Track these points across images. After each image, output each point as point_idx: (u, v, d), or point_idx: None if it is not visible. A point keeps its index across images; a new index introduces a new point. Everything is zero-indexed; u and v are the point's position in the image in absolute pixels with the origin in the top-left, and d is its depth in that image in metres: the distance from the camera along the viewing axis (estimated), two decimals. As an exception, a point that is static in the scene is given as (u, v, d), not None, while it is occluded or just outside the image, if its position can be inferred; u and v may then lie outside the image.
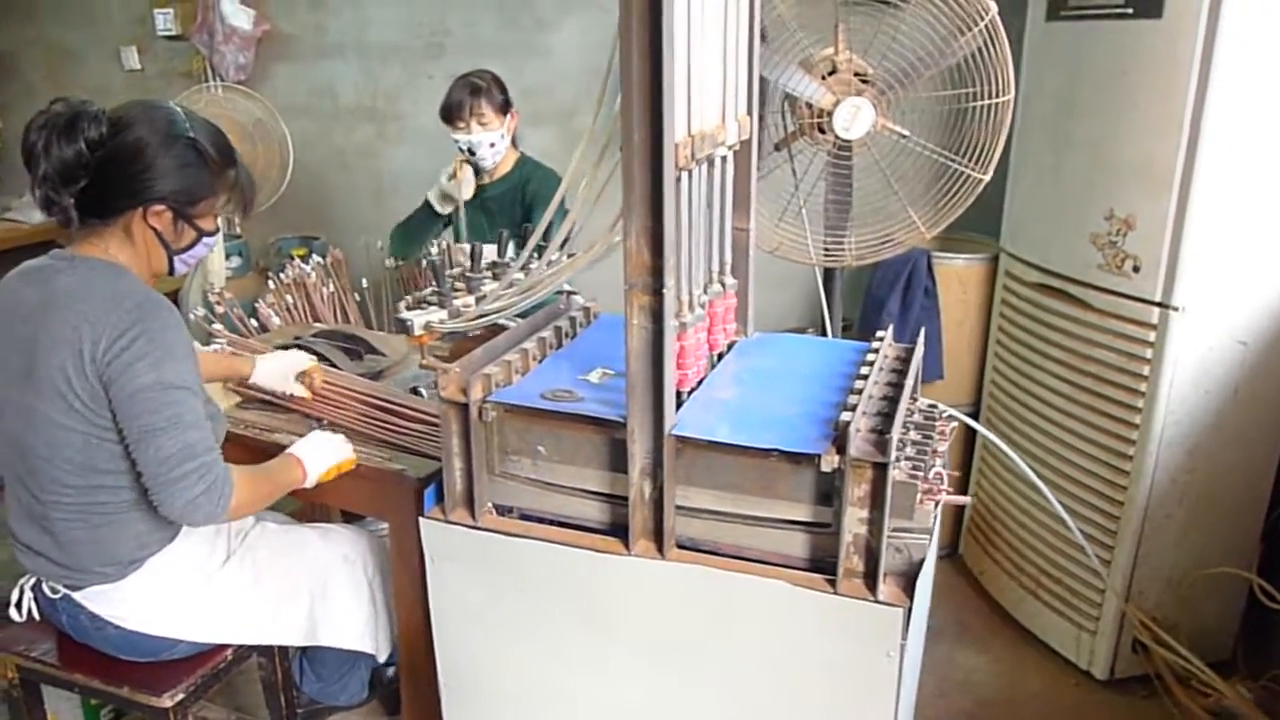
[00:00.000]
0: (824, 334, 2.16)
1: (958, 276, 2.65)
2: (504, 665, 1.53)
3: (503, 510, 1.50)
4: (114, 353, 1.42)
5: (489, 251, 1.89)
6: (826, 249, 1.95)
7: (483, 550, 1.46)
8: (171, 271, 1.60)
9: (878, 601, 1.27)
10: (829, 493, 1.30)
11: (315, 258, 3.16)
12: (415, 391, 2.16)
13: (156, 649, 1.66)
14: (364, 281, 2.88)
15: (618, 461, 1.39)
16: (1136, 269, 2.07)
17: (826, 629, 1.31)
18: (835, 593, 1.29)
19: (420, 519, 1.49)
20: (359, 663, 2.12)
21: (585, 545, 1.40)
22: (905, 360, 1.55)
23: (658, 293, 1.26)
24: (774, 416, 1.37)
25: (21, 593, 1.70)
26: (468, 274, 1.57)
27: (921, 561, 1.29)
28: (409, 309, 1.50)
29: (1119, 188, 2.11)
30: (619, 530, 1.41)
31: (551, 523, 1.46)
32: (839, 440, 1.25)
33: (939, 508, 1.33)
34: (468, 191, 2.78)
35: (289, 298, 2.95)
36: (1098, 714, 2.29)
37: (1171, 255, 2.00)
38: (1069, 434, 2.30)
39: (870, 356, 1.50)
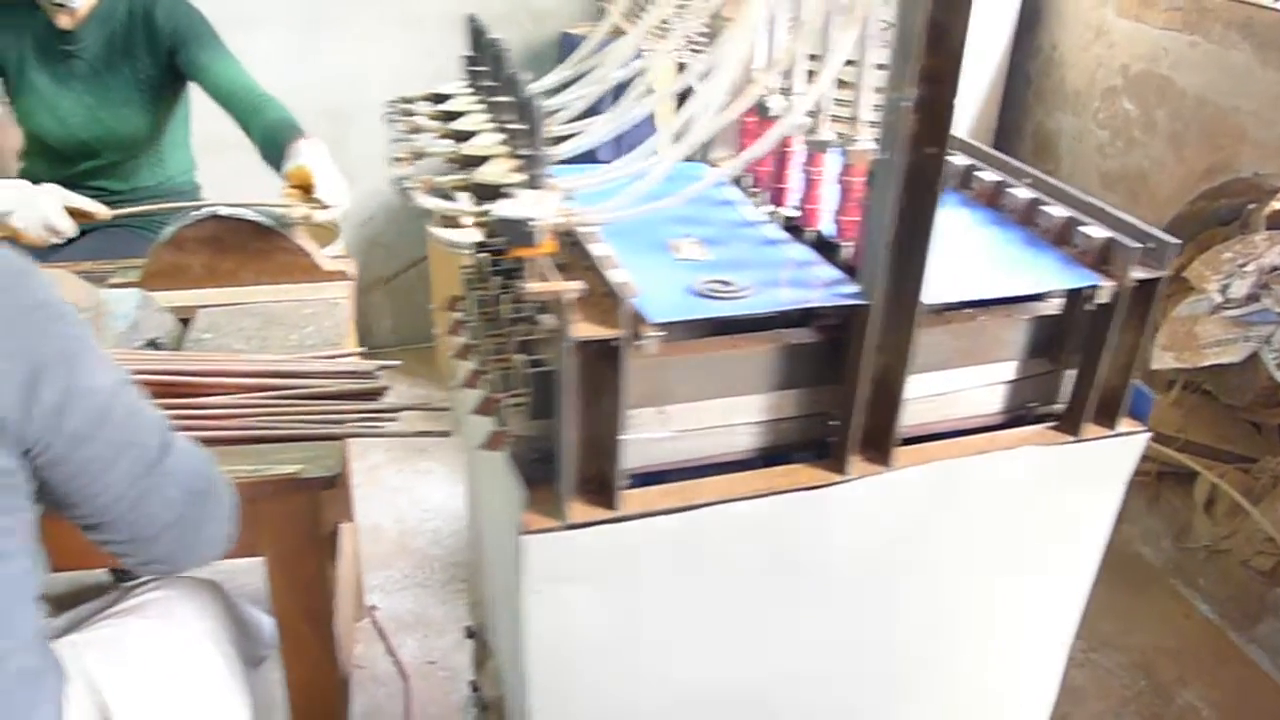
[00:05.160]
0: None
1: None
2: (657, 679, 1.08)
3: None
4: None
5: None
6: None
7: (627, 549, 0.97)
8: None
9: (1116, 434, 1.11)
10: (1054, 336, 1.08)
11: None
12: (154, 345, 1.38)
13: None
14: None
15: (800, 372, 1.00)
16: None
17: (1065, 480, 1.12)
18: (1077, 439, 1.10)
19: (521, 539, 0.93)
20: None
21: (783, 488, 1.00)
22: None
23: (933, 111, 0.86)
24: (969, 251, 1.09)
25: None
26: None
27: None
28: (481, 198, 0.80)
29: None
30: (791, 453, 1.04)
31: (679, 475, 1.02)
32: (1105, 262, 1.02)
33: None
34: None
35: None
36: None
37: None
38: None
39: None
